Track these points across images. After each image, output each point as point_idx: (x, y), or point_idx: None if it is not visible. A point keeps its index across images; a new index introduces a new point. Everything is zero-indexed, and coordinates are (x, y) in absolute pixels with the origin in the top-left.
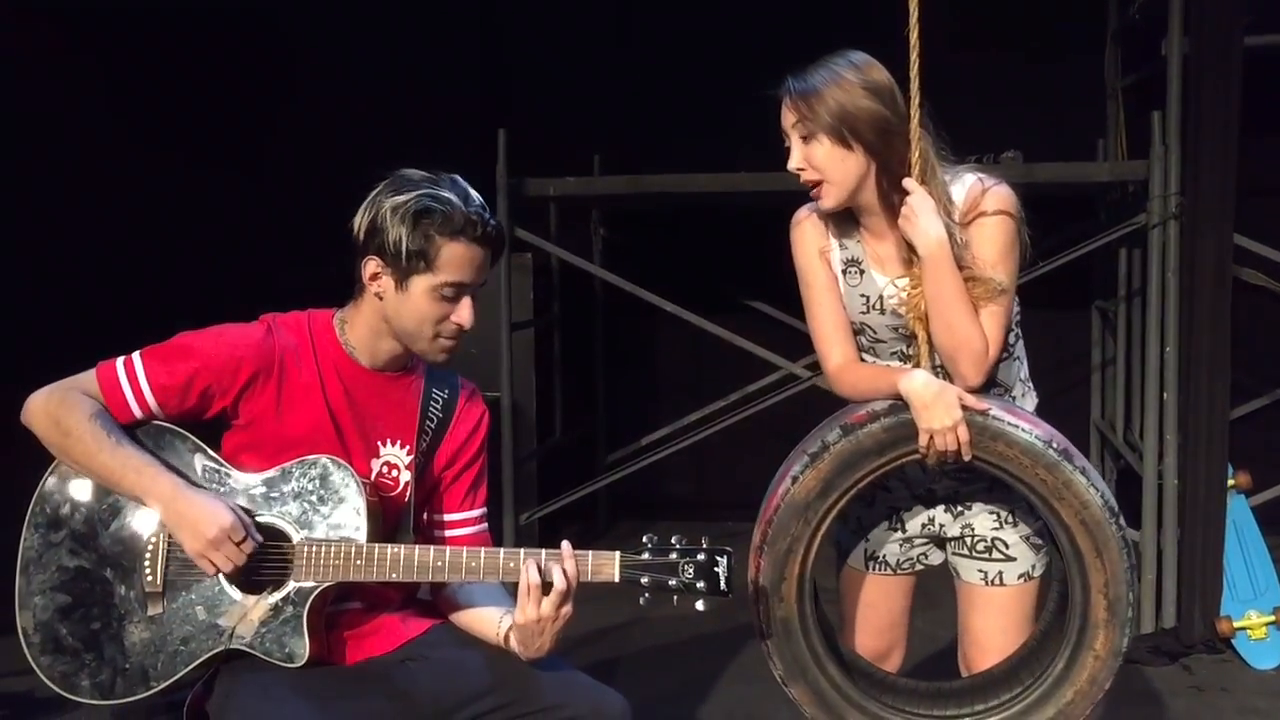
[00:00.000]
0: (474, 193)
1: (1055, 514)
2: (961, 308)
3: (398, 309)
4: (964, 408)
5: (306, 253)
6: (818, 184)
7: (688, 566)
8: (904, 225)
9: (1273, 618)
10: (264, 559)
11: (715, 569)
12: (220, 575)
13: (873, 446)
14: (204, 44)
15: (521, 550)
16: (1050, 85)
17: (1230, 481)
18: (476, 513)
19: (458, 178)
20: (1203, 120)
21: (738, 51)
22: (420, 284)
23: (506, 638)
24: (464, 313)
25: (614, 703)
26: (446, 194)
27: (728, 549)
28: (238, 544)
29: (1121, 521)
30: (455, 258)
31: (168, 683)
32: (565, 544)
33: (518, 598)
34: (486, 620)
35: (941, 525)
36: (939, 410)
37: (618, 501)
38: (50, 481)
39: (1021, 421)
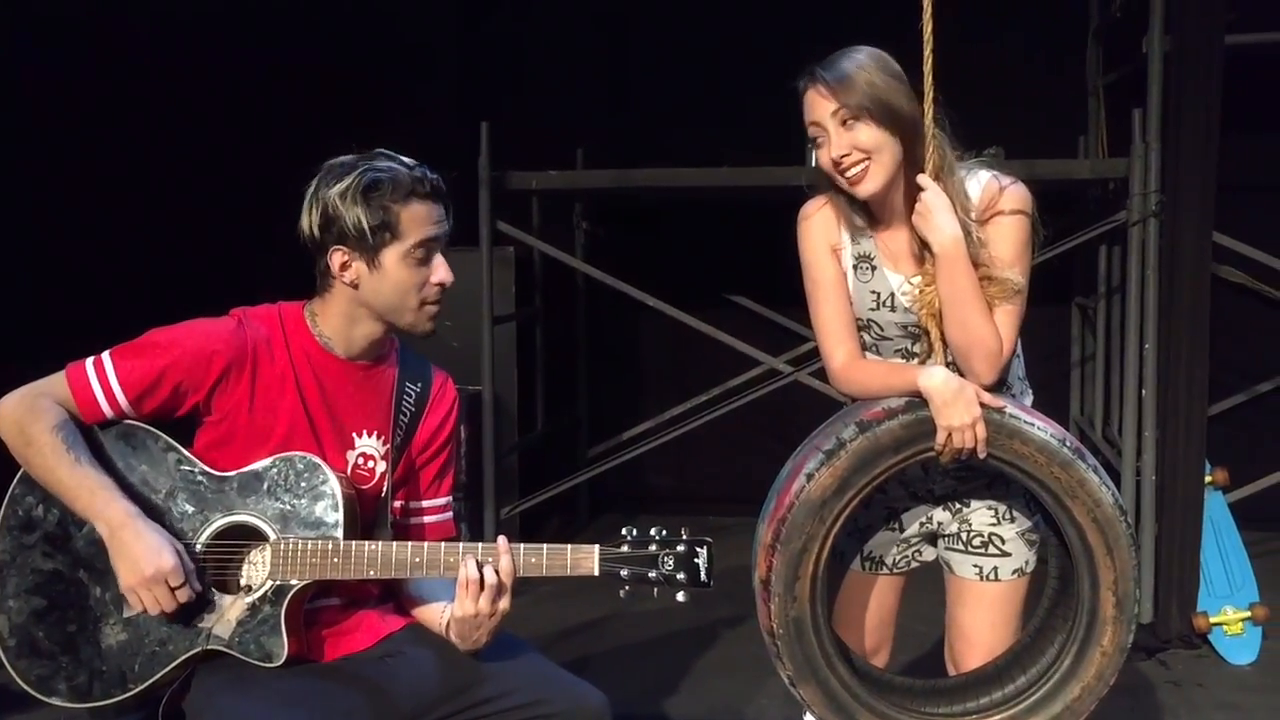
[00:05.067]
0: (405, 157)
1: (1067, 512)
2: (976, 306)
3: (377, 289)
4: (981, 405)
5: (282, 249)
6: (862, 167)
7: (667, 558)
8: (918, 222)
9: (1249, 614)
10: (240, 558)
11: (695, 560)
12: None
13: (890, 444)
14: (179, 37)
15: (499, 542)
16: (1031, 82)
17: (1208, 478)
18: (441, 501)
19: (382, 150)
20: (1183, 118)
21: (722, 45)
22: (392, 255)
23: (447, 628)
24: (441, 270)
25: (592, 698)
26: (384, 164)
27: (707, 539)
28: (174, 588)
29: (1129, 520)
30: (415, 218)
31: (145, 685)
32: (501, 539)
33: (455, 593)
34: (432, 611)
35: (940, 524)
36: (959, 407)
37: (599, 495)
38: (22, 483)
39: (1036, 419)
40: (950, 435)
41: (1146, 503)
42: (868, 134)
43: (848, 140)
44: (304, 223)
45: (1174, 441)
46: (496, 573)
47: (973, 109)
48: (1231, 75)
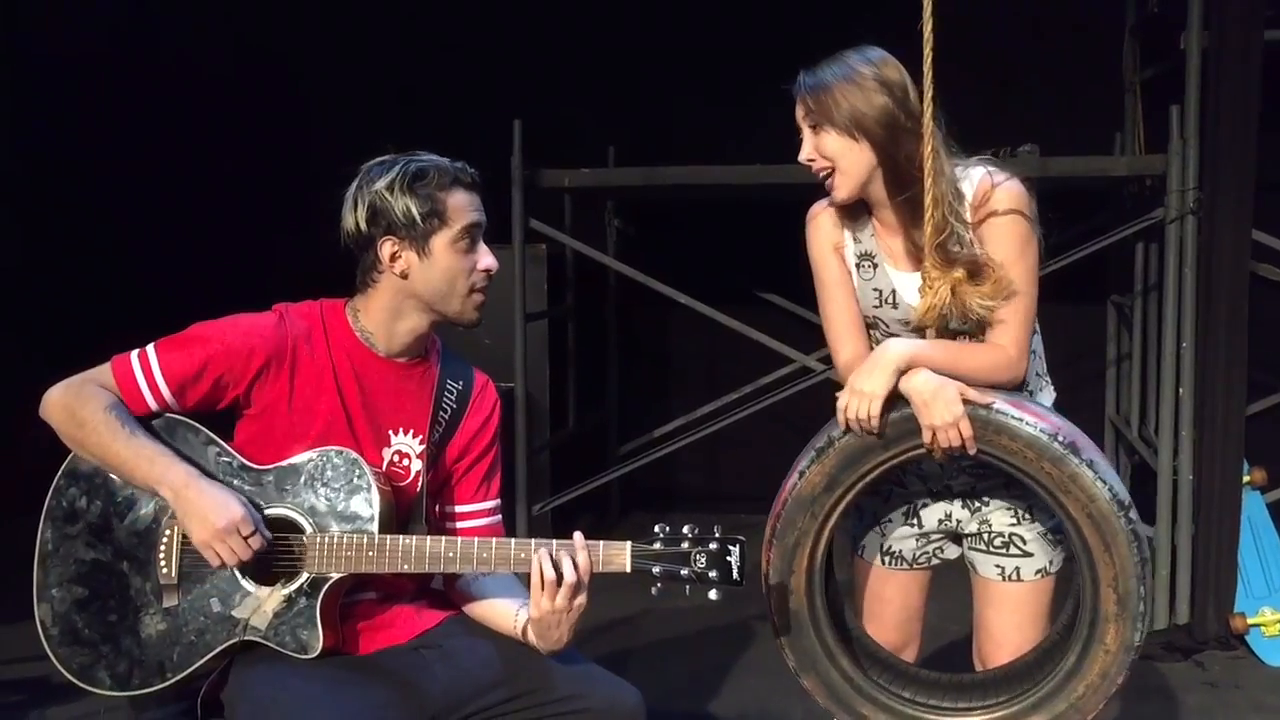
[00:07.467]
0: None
1: (1063, 508)
2: (976, 362)
3: (427, 277)
4: (967, 402)
5: (317, 245)
6: (830, 174)
7: (700, 556)
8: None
9: None
10: (277, 551)
11: (728, 558)
12: (233, 567)
13: (878, 442)
14: (213, 34)
15: (533, 541)
16: (1068, 79)
17: (1245, 478)
18: (490, 504)
19: (417, 150)
20: (1221, 115)
21: (753, 43)
22: (441, 242)
23: (524, 631)
24: (486, 257)
25: (628, 695)
26: (424, 157)
27: (740, 538)
28: (245, 537)
29: (1133, 515)
30: (460, 205)
31: (183, 674)
32: (577, 535)
33: (530, 591)
34: (502, 614)
35: (959, 521)
36: (938, 407)
37: (630, 493)
38: (66, 475)
39: (1027, 415)
40: (935, 433)
41: (1184, 503)
42: (832, 143)
43: (814, 146)
44: (348, 220)
45: (1211, 441)
46: (575, 568)
47: (1009, 105)
48: (1270, 71)
